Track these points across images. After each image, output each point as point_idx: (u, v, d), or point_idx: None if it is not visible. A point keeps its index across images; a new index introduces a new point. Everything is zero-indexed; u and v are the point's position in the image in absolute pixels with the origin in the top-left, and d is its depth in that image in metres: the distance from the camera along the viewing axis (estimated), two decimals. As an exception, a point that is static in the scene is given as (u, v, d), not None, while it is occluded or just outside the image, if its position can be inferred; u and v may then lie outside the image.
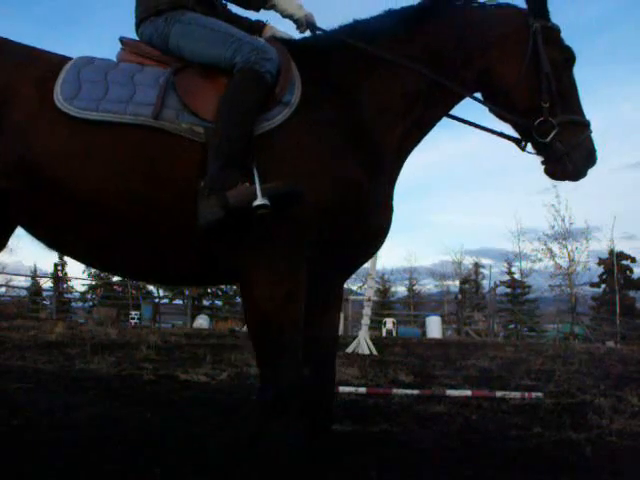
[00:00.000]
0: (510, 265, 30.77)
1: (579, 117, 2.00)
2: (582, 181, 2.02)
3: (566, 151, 1.94)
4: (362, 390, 4.24)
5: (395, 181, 2.05)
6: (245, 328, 15.45)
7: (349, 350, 8.25)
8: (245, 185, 1.66)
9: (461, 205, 70.16)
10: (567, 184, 2.13)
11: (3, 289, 23.70)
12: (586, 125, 2.00)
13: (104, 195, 1.76)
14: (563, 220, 26.00)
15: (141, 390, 3.99)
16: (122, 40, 2.04)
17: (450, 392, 4.24)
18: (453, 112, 2.14)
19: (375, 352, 8.03)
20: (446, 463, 2.49)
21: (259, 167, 1.72)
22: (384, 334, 17.01)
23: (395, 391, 4.24)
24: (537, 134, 1.95)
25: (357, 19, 2.05)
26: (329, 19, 2.10)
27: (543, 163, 2.03)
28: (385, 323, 17.94)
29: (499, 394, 4.23)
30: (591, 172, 2.02)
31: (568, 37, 2.07)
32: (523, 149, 2.07)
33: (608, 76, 62.56)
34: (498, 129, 2.12)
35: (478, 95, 2.11)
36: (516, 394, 4.26)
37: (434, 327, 17.76)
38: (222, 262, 1.88)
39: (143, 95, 1.79)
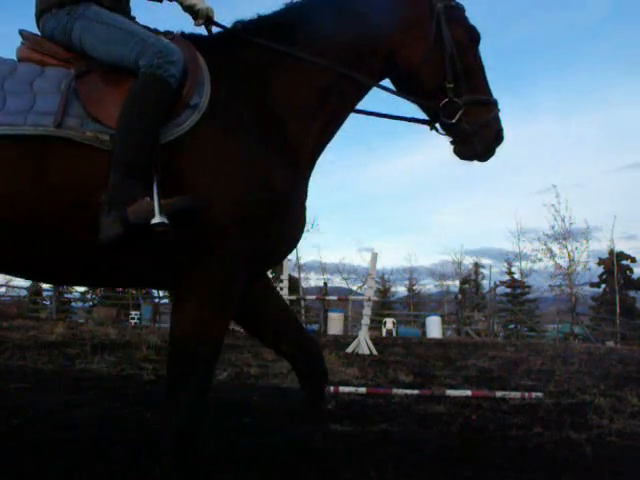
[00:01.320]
0: (510, 265, 30.81)
1: (485, 96, 1.99)
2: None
3: (473, 131, 1.93)
4: (362, 390, 4.24)
5: (309, 179, 1.98)
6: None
7: (349, 350, 8.24)
8: (146, 200, 1.57)
9: (461, 205, 70.18)
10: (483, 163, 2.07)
11: (3, 289, 23.70)
12: (493, 104, 1.98)
13: (11, 213, 1.63)
14: (563, 220, 26.08)
15: (141, 390, 3.99)
16: (22, 33, 1.88)
17: (450, 392, 4.24)
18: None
19: (375, 352, 8.02)
20: (446, 463, 2.49)
21: (171, 177, 1.63)
22: (384, 334, 17.02)
23: (395, 391, 4.24)
24: (444, 115, 1.94)
25: (260, 14, 1.98)
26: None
27: (452, 143, 2.02)
28: (385, 323, 17.95)
29: (499, 394, 4.23)
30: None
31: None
32: (437, 130, 2.05)
33: (608, 76, 62.57)
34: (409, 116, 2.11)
35: (388, 82, 2.09)
36: (516, 394, 4.26)
37: (434, 327, 17.76)
38: (146, 275, 1.81)
39: (43, 103, 1.67)
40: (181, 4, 1.93)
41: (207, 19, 1.92)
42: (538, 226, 48.56)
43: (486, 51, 2.04)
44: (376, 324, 18.45)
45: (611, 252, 27.44)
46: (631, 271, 29.42)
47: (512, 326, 25.15)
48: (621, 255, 28.70)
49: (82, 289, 28.73)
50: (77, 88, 1.70)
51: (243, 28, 1.94)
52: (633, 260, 29.33)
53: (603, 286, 29.69)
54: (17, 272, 1.94)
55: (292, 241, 1.96)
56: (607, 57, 64.50)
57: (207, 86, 1.74)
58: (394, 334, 17.21)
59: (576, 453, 2.72)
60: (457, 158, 2.02)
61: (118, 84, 1.73)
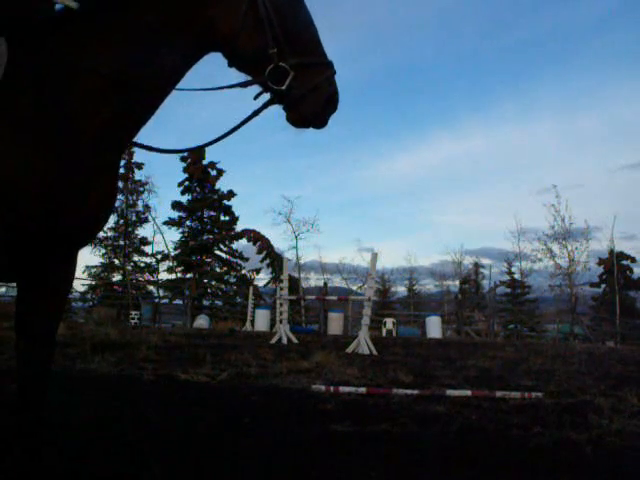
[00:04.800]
0: (510, 265, 30.86)
1: (315, 58, 1.86)
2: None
3: (301, 94, 1.81)
4: (362, 390, 4.24)
5: (110, 169, 1.89)
6: (244, 328, 15.47)
7: (349, 350, 8.25)
8: None
9: (461, 205, 70.12)
10: (319, 129, 1.92)
11: (3, 289, 23.64)
12: (325, 65, 1.85)
13: None
14: (563, 220, 26.15)
15: (141, 390, 3.99)
16: None
17: (450, 392, 4.25)
18: None
19: (375, 352, 8.03)
20: (446, 463, 2.49)
21: None
22: (384, 334, 17.03)
23: (395, 391, 4.25)
24: (272, 82, 1.82)
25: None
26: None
27: (284, 110, 1.90)
28: (385, 323, 17.95)
29: (499, 394, 4.23)
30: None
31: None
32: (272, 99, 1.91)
33: (608, 76, 62.53)
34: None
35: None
36: (516, 394, 4.26)
37: (434, 327, 17.76)
38: None
39: None
40: None
41: None
42: (538, 226, 48.61)
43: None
44: (376, 324, 18.45)
45: (611, 252, 27.49)
46: (631, 271, 29.45)
47: (512, 326, 25.17)
48: (621, 255, 28.73)
49: (82, 289, 28.83)
50: None
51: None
52: (633, 260, 29.36)
53: (603, 286, 29.72)
54: None
55: (78, 229, 1.84)
56: (607, 56, 64.44)
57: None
58: (394, 334, 17.22)
59: (576, 453, 2.72)
60: (291, 125, 1.89)
61: None
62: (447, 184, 70.24)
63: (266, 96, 1.90)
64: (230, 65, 1.95)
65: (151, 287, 29.48)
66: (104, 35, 1.80)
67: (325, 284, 33.53)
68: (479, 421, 3.38)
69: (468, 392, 4.26)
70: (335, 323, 17.36)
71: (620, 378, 5.62)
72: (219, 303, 27.90)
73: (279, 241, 68.57)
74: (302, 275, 34.20)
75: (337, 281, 37.70)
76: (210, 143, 1.99)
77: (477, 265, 35.36)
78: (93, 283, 29.43)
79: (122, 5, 1.82)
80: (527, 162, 60.96)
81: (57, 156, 1.71)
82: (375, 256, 9.51)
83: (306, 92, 1.82)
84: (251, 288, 17.52)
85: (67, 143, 1.73)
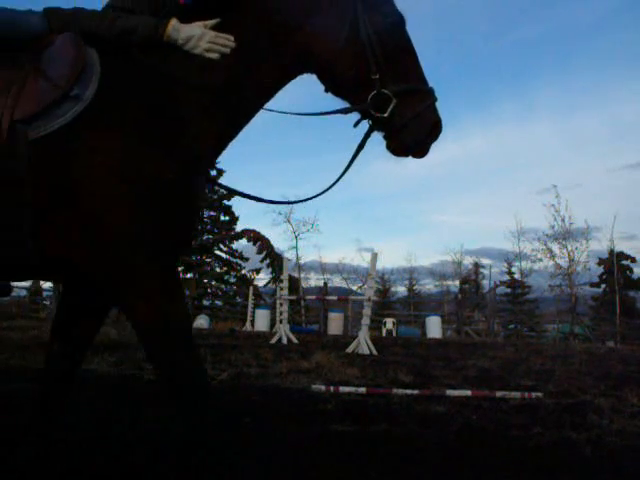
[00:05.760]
0: (510, 265, 30.84)
1: (417, 84, 1.80)
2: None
3: (403, 123, 1.77)
4: (362, 390, 4.24)
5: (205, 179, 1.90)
6: (244, 328, 15.47)
7: (349, 350, 8.25)
8: None
9: (461, 205, 70.14)
10: (420, 159, 1.88)
11: (3, 289, 23.65)
12: (426, 93, 1.80)
13: None
14: (563, 220, 26.06)
15: (141, 390, 3.99)
16: None
17: (450, 392, 4.24)
18: None
19: (375, 352, 8.03)
20: (446, 463, 2.49)
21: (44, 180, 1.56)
22: (384, 334, 17.03)
23: (395, 391, 4.24)
24: (374, 109, 1.77)
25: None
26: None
27: (384, 138, 1.86)
28: (385, 323, 17.95)
29: (499, 394, 4.23)
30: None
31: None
32: (363, 124, 1.90)
33: (608, 76, 62.56)
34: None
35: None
36: (516, 394, 4.26)
37: (434, 327, 17.76)
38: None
39: None
40: None
41: None
42: (538, 226, 48.61)
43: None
44: (376, 324, 18.44)
45: (611, 252, 27.46)
46: (631, 271, 29.45)
47: (512, 326, 25.15)
48: (621, 255, 28.73)
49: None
50: None
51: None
52: (633, 260, 29.36)
53: (603, 286, 29.72)
54: None
55: (189, 239, 1.82)
56: (608, 56, 64.48)
57: (95, 78, 1.64)
58: (394, 334, 17.21)
59: (576, 453, 2.72)
60: (391, 155, 1.86)
61: None
62: (447, 184, 70.28)
63: (351, 119, 1.86)
64: (327, 90, 1.91)
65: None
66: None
67: (325, 284, 33.50)
68: (479, 421, 3.38)
69: (468, 392, 4.26)
70: (335, 323, 17.35)
71: (620, 378, 5.62)
72: (219, 303, 27.88)
73: (279, 241, 68.61)
74: (302, 275, 34.21)
75: (337, 281, 37.74)
76: (324, 192, 1.93)
77: (477, 265, 35.37)
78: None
79: (226, 25, 1.78)
80: (527, 162, 61.10)
81: (179, 170, 1.67)
82: (375, 256, 9.50)
83: (408, 120, 1.77)
84: (251, 288, 17.50)
85: (183, 159, 1.67)
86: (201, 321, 19.45)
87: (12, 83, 1.61)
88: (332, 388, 4.25)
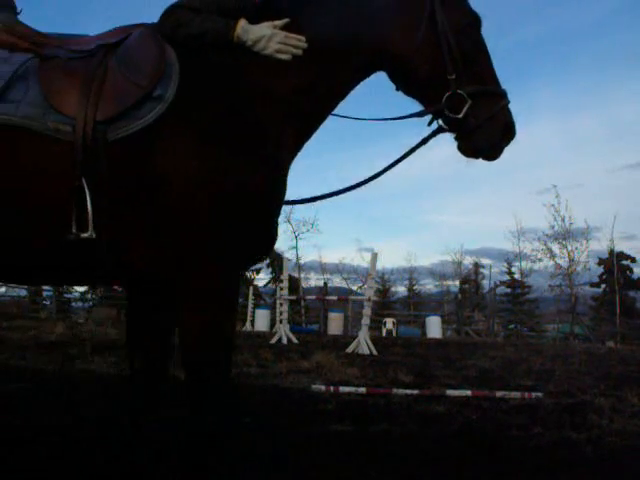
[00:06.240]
0: (510, 265, 30.80)
1: (491, 86, 1.80)
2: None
3: (477, 124, 1.75)
4: (362, 390, 4.24)
5: (286, 179, 1.86)
6: (244, 328, 15.46)
7: (349, 350, 8.25)
8: None
9: (461, 205, 70.15)
10: (490, 162, 1.88)
11: (3, 289, 23.64)
12: (501, 95, 1.79)
13: None
14: (563, 220, 26.10)
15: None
16: None
17: (450, 392, 4.24)
18: None
19: (375, 352, 8.03)
20: (446, 463, 2.49)
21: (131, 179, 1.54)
22: (384, 334, 17.02)
23: (395, 391, 4.24)
24: (449, 110, 1.76)
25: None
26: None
27: (455, 139, 1.85)
28: (385, 323, 17.94)
29: (499, 394, 4.23)
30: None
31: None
32: (440, 126, 1.88)
33: (608, 76, 62.58)
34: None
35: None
36: (516, 394, 4.26)
37: (434, 327, 17.75)
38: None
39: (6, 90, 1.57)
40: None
41: None
42: (538, 226, 48.61)
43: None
44: (376, 324, 18.44)
45: (611, 252, 27.44)
46: (631, 271, 29.39)
47: (512, 326, 25.13)
48: (621, 255, 28.69)
49: (82, 289, 28.80)
50: (39, 75, 1.61)
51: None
52: (633, 260, 29.31)
53: (603, 286, 29.68)
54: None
55: (270, 243, 1.80)
56: (608, 56, 64.50)
57: (175, 78, 1.62)
58: (394, 334, 17.21)
59: (576, 453, 2.72)
60: (462, 155, 1.86)
61: (76, 71, 1.63)
62: (447, 184, 70.28)
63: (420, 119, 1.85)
64: (398, 88, 1.90)
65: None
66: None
67: (325, 284, 33.49)
68: (479, 421, 3.38)
69: (468, 392, 4.26)
70: (335, 323, 17.34)
71: (620, 378, 5.62)
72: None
73: (279, 241, 68.05)
74: (302, 275, 34.20)
75: (337, 281, 37.71)
76: (372, 178, 1.93)
77: (477, 265, 35.34)
78: (93, 283, 29.38)
79: (299, 24, 1.76)
80: (527, 162, 61.00)
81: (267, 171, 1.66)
82: (375, 256, 9.50)
83: (482, 122, 1.76)
84: (251, 288, 17.49)
85: (265, 163, 1.65)
86: (201, 321, 19.41)
87: (91, 80, 1.59)
88: (332, 388, 4.25)
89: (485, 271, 33.69)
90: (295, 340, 9.97)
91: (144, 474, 2.15)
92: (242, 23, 1.69)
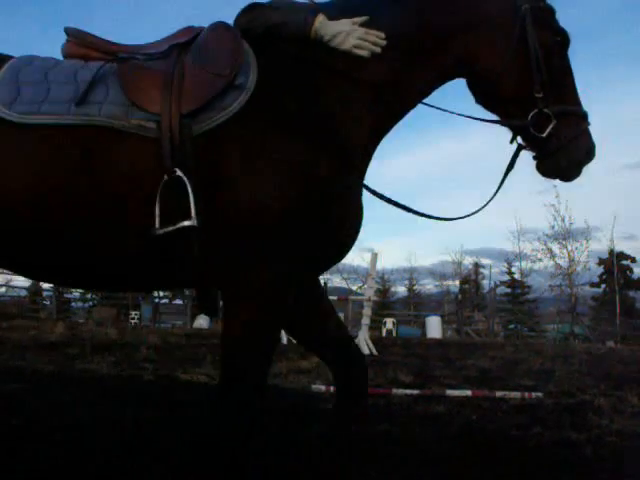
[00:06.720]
0: (510, 265, 30.78)
1: (575, 107, 1.79)
2: (582, 181, 1.91)
3: (560, 145, 1.74)
4: (362, 390, 4.23)
5: (364, 177, 1.86)
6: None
7: (349, 350, 8.23)
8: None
9: (461, 205, 70.12)
10: (566, 183, 1.90)
11: (3, 289, 23.66)
12: (583, 117, 1.79)
13: (53, 205, 1.54)
14: (563, 220, 26.07)
15: (141, 390, 3.99)
16: (66, 30, 1.82)
17: (450, 392, 4.24)
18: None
19: (375, 352, 8.02)
20: (446, 463, 2.49)
21: (211, 170, 1.53)
22: (384, 334, 17.01)
23: (395, 391, 4.24)
24: (533, 128, 1.74)
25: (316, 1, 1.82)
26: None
27: (535, 158, 1.85)
28: (385, 323, 17.93)
29: (499, 394, 4.23)
30: (591, 172, 1.91)
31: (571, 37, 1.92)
32: (519, 144, 1.89)
33: (608, 76, 62.58)
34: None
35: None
36: (516, 394, 4.26)
37: (434, 327, 17.75)
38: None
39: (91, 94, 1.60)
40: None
41: None
42: (538, 226, 48.65)
43: None
44: (376, 324, 18.44)
45: (611, 252, 27.44)
46: (631, 271, 29.40)
47: (512, 326, 25.13)
48: (621, 255, 28.69)
49: (82, 289, 28.77)
50: (119, 75, 1.63)
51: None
52: (633, 260, 29.31)
53: (603, 286, 29.68)
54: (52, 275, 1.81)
55: (349, 240, 1.77)
56: (608, 56, 64.53)
57: (253, 68, 1.63)
58: (394, 334, 17.21)
59: (576, 453, 2.72)
60: (539, 175, 1.85)
61: (154, 70, 1.65)
62: (447, 184, 70.34)
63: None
64: (478, 101, 1.88)
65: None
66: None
67: (325, 284, 33.45)
68: (479, 421, 3.38)
69: (468, 392, 4.26)
70: (335, 323, 17.32)
71: (620, 378, 5.62)
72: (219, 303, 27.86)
73: (279, 241, 68.33)
74: (302, 275, 34.15)
75: (337, 281, 37.66)
76: (481, 208, 1.97)
77: (477, 265, 35.31)
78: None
79: (384, 20, 1.75)
80: (527, 162, 60.82)
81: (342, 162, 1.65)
82: (375, 256, 9.49)
83: (565, 143, 1.75)
84: (251, 288, 17.46)
85: (341, 158, 1.64)
86: (201, 321, 19.45)
87: (171, 77, 1.60)
88: (332, 388, 4.25)
89: (485, 271, 33.70)
90: (295, 340, 9.96)
91: (143, 474, 2.15)
92: (320, 18, 1.70)
